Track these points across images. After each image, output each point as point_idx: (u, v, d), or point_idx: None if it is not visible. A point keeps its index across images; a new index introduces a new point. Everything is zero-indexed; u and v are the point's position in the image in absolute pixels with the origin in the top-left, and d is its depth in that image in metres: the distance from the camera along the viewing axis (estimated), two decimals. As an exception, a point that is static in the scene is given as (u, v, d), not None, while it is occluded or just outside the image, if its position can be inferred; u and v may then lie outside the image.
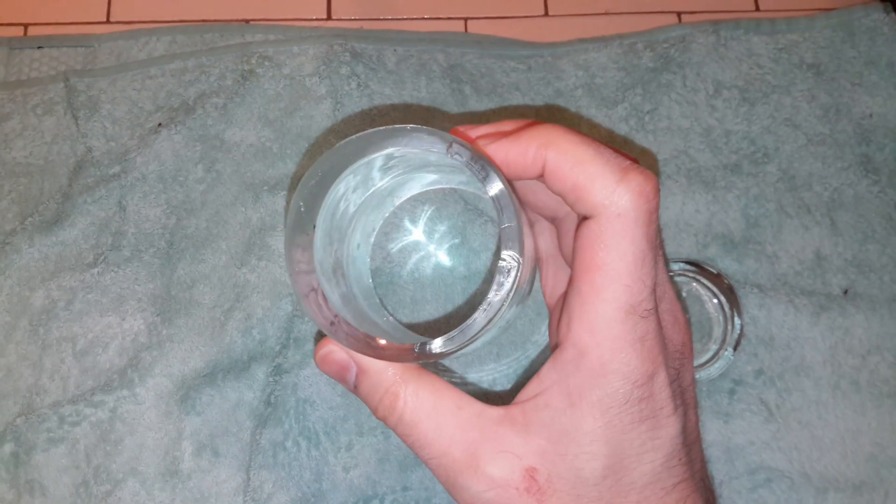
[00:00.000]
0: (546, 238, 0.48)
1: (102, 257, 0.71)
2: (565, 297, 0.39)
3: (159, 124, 0.75)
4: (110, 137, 0.75)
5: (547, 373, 0.39)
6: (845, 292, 0.68)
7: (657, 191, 0.38)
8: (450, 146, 0.40)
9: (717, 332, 0.64)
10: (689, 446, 0.40)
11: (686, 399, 0.41)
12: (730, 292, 0.64)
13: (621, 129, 0.73)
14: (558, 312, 0.42)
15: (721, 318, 0.64)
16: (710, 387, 0.65)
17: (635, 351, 0.37)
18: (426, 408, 0.40)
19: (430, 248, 0.69)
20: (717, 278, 0.64)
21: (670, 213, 0.71)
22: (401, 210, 0.63)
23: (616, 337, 0.37)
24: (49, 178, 0.74)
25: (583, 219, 0.38)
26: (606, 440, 0.37)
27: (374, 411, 0.42)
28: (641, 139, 0.73)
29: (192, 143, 0.74)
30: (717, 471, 0.64)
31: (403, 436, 0.41)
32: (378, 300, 0.48)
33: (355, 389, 0.43)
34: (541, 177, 0.40)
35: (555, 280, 0.47)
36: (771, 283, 0.68)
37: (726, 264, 0.69)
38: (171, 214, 0.72)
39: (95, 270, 0.70)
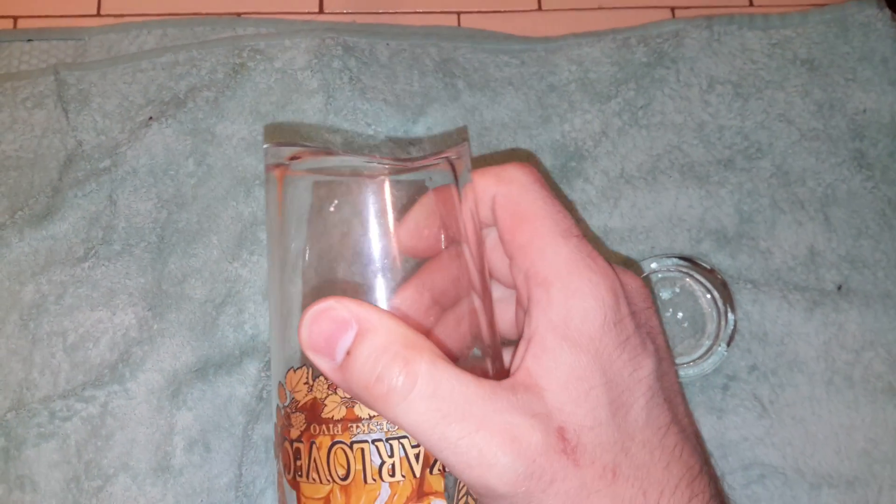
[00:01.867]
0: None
1: (93, 251, 0.71)
2: (511, 262, 0.41)
3: (150, 118, 0.75)
4: (101, 131, 0.75)
5: (527, 328, 0.39)
6: (839, 288, 0.68)
7: (533, 167, 0.42)
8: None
9: (711, 327, 0.64)
10: (670, 395, 0.40)
11: (657, 344, 0.41)
12: (723, 288, 0.64)
13: (615, 123, 0.73)
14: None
15: (714, 313, 0.64)
16: (704, 382, 0.65)
17: (590, 269, 0.38)
18: (449, 379, 0.35)
19: None
20: (710, 274, 0.64)
21: (664, 208, 0.71)
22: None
23: (567, 257, 0.38)
24: (39, 172, 0.74)
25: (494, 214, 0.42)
26: (601, 370, 0.37)
27: (371, 387, 0.35)
28: (635, 134, 0.73)
29: (182, 137, 0.74)
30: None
31: (414, 413, 0.35)
32: None
33: (345, 363, 0.36)
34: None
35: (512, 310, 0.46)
36: (764, 278, 0.68)
37: (720, 260, 0.69)
38: (161, 208, 0.72)
39: (86, 265, 0.70)
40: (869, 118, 0.73)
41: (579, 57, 0.77)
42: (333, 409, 0.39)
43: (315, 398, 0.40)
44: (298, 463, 0.40)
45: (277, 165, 0.41)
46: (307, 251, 0.41)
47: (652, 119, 0.73)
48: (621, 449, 0.37)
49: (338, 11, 0.82)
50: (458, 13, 0.81)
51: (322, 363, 0.37)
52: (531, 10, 0.81)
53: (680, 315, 0.65)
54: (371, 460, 0.38)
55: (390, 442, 0.38)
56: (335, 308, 0.37)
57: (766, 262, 0.69)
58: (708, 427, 0.64)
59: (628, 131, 0.73)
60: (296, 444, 0.40)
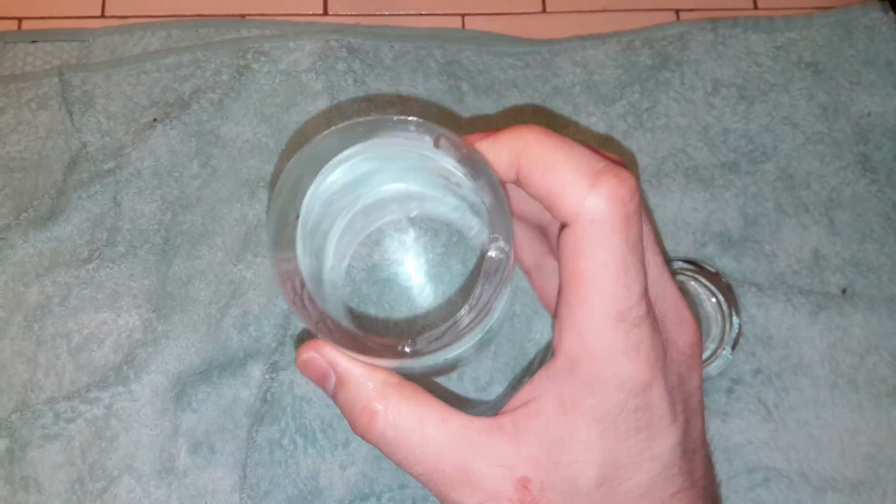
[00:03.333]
0: (535, 246, 0.46)
1: (97, 253, 0.71)
2: (556, 305, 0.38)
3: (154, 119, 0.75)
4: (105, 132, 0.75)
5: (539, 381, 0.38)
6: (843, 291, 0.68)
7: (634, 193, 0.35)
8: (437, 139, 0.39)
9: (716, 331, 0.64)
10: (691, 454, 0.39)
11: (690, 405, 0.39)
12: (728, 291, 0.64)
13: (619, 126, 0.73)
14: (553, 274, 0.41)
15: (719, 316, 0.64)
16: (708, 386, 0.65)
17: (629, 359, 0.35)
18: (409, 424, 0.38)
19: (409, 269, 0.68)
20: (715, 277, 0.64)
21: (668, 211, 0.71)
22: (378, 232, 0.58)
23: (608, 346, 0.35)
24: (43, 173, 0.74)
25: (562, 226, 0.36)
26: (601, 448, 0.36)
27: (353, 427, 0.40)
28: (639, 137, 0.73)
29: (187, 139, 0.74)
30: (716, 470, 0.64)
31: (388, 453, 0.39)
32: (350, 322, 0.44)
33: (334, 398, 0.41)
34: (517, 182, 0.38)
35: (550, 286, 0.45)
36: (769, 281, 0.68)
37: (724, 263, 0.69)
38: (166, 210, 0.72)
39: (90, 266, 0.70)
40: (873, 121, 0.73)
41: (584, 59, 0.77)
42: None
43: None
44: None
45: None
46: None
47: (657, 122, 0.73)
48: None
49: (342, 13, 0.81)
50: (463, 15, 0.81)
51: (320, 387, 0.41)
52: (536, 13, 0.81)
53: (684, 318, 0.65)
54: None
55: None
56: (315, 360, 0.40)
57: (771, 265, 0.69)
58: (712, 430, 0.64)
59: (633, 134, 0.73)
60: None
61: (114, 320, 0.69)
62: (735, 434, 0.65)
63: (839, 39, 0.76)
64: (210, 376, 0.66)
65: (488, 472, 0.36)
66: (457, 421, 0.38)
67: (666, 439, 0.37)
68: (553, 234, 0.42)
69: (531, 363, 0.66)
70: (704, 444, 0.41)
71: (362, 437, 0.39)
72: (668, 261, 0.63)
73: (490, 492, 0.36)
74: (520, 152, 0.37)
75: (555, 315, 0.38)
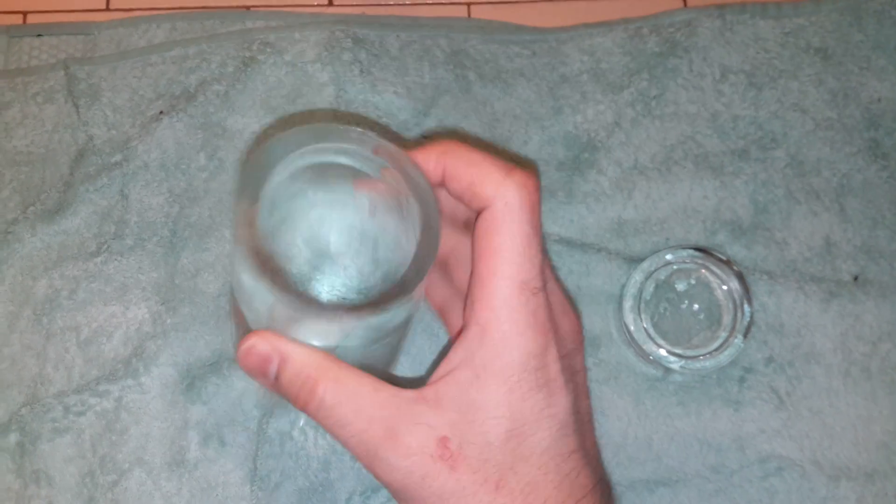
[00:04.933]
0: (442, 287, 0.54)
1: (105, 246, 0.70)
2: (469, 286, 0.45)
3: (160, 112, 0.74)
4: (111, 125, 0.75)
5: (454, 353, 0.45)
6: (855, 279, 0.68)
7: (538, 187, 0.45)
8: (376, 148, 0.46)
9: (727, 319, 0.64)
10: (581, 423, 0.46)
11: (577, 382, 0.47)
12: (739, 279, 0.63)
13: (627, 114, 0.73)
14: (460, 305, 0.48)
15: (730, 305, 0.64)
16: (720, 375, 0.65)
17: (528, 324, 0.43)
18: (346, 391, 0.44)
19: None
20: (726, 265, 0.64)
21: (678, 199, 0.70)
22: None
23: (512, 311, 0.43)
24: (50, 167, 0.74)
25: (478, 215, 0.45)
26: (508, 406, 0.43)
27: (295, 400, 0.45)
28: (648, 124, 0.73)
29: (193, 131, 0.74)
30: (728, 459, 0.64)
31: (324, 419, 0.44)
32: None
33: (276, 382, 0.46)
34: (441, 184, 0.47)
35: (457, 319, 0.51)
36: (780, 269, 0.68)
37: (735, 251, 0.69)
38: (173, 203, 0.72)
39: (98, 259, 0.70)
40: (884, 107, 0.73)
41: (591, 47, 0.76)
42: None
43: None
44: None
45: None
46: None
47: (665, 109, 0.73)
48: (510, 468, 0.43)
49: (347, 3, 0.81)
50: (469, 4, 0.80)
51: (261, 382, 0.47)
52: (542, 1, 0.81)
53: (696, 307, 0.65)
54: None
55: None
56: (258, 345, 0.46)
57: (782, 252, 0.69)
58: (725, 420, 0.64)
59: (641, 122, 0.73)
60: None
61: (123, 313, 0.69)
62: (747, 423, 0.65)
63: (848, 25, 0.75)
64: (220, 368, 0.66)
65: (413, 433, 0.42)
66: (387, 391, 0.44)
67: (561, 400, 0.44)
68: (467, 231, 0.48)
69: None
70: (591, 424, 0.50)
71: (304, 408, 0.45)
72: (680, 248, 0.63)
73: (413, 448, 0.42)
74: (446, 153, 0.46)
75: (466, 297, 0.45)
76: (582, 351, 0.50)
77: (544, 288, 0.44)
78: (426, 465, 0.42)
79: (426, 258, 0.44)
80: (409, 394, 0.44)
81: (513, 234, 0.43)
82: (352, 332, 0.47)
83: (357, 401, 0.44)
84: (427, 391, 0.44)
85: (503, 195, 0.44)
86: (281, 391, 0.46)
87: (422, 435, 0.42)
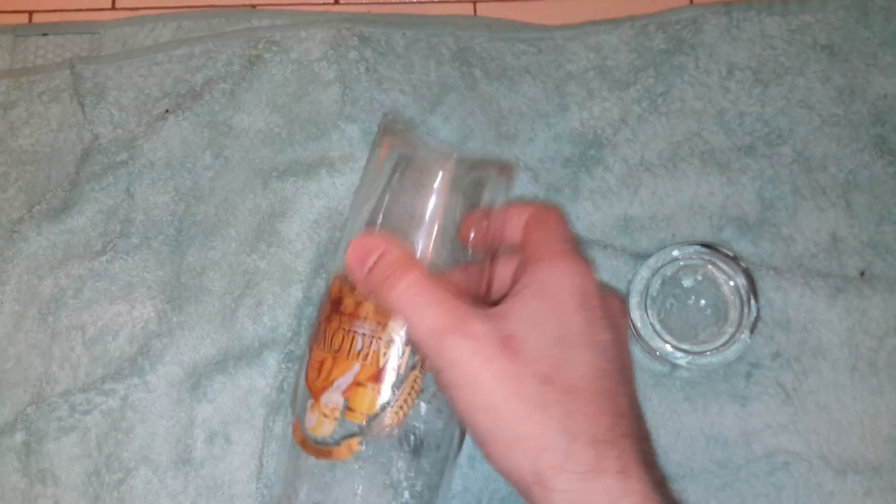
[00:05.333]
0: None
1: (111, 245, 0.71)
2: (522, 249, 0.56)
3: (166, 111, 0.74)
4: (117, 124, 0.75)
5: (516, 281, 0.52)
6: (862, 274, 0.68)
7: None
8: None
9: (734, 315, 0.63)
10: (622, 365, 0.52)
11: (619, 336, 0.55)
12: (746, 275, 0.63)
13: (634, 111, 0.73)
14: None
15: (737, 301, 0.63)
16: (727, 370, 0.65)
17: (576, 261, 0.52)
18: (431, 284, 0.50)
19: None
20: (732, 261, 0.63)
21: (684, 195, 0.70)
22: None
23: (564, 255, 0.53)
24: (56, 166, 0.74)
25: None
26: (559, 317, 0.50)
27: (383, 283, 0.51)
28: (654, 121, 0.73)
29: (199, 130, 0.74)
30: (735, 454, 0.64)
31: (404, 303, 0.50)
32: None
33: (371, 270, 0.52)
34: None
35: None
36: (787, 265, 0.68)
37: (742, 247, 0.69)
38: (179, 201, 0.72)
39: (104, 258, 0.70)
40: (890, 103, 0.72)
41: (597, 44, 0.76)
42: (348, 305, 0.55)
43: (342, 296, 0.56)
44: (318, 336, 0.57)
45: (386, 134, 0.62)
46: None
47: (671, 106, 0.73)
48: (557, 369, 0.48)
49: (353, 2, 0.81)
50: (474, 2, 0.80)
51: (355, 272, 0.53)
52: (548, -2, 0.81)
53: (702, 303, 0.65)
54: (355, 345, 0.54)
55: (371, 339, 0.53)
56: (370, 236, 0.55)
57: (789, 248, 0.69)
58: (731, 415, 0.64)
59: (648, 119, 0.73)
60: (321, 323, 0.57)
61: (128, 312, 0.69)
62: (754, 418, 0.64)
63: (854, 21, 0.75)
64: (225, 366, 0.66)
65: (483, 323, 0.48)
66: (464, 296, 0.50)
67: (602, 331, 0.51)
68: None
69: None
70: (632, 377, 0.59)
71: (387, 292, 0.50)
72: (687, 244, 0.63)
73: (482, 333, 0.48)
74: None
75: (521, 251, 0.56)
76: (626, 324, 0.61)
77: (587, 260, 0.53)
78: (492, 348, 0.47)
79: None
80: (479, 308, 0.50)
81: (558, 224, 0.56)
82: None
83: (438, 293, 0.50)
84: (495, 308, 0.51)
85: (544, 212, 0.58)
86: (370, 280, 0.52)
87: (490, 326, 0.48)
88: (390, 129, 0.64)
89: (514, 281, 0.53)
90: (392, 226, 0.57)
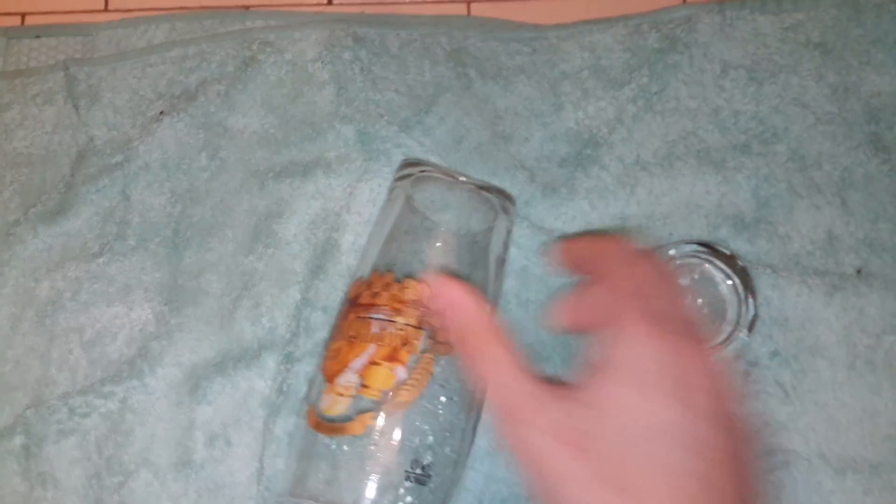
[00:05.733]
0: None
1: (108, 247, 0.71)
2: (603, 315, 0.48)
3: (161, 112, 0.74)
4: (112, 126, 0.75)
5: (598, 360, 0.45)
6: (858, 272, 0.68)
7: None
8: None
9: (731, 313, 0.64)
10: (730, 465, 0.43)
11: (734, 426, 0.45)
12: (743, 273, 0.63)
13: (629, 110, 0.73)
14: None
15: (735, 299, 0.64)
16: (725, 369, 0.65)
17: (666, 331, 0.45)
18: (513, 360, 0.47)
19: None
20: (730, 259, 0.64)
21: (680, 194, 0.71)
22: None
23: (650, 315, 0.45)
24: (51, 168, 0.74)
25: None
26: (636, 410, 0.43)
27: (463, 343, 0.49)
28: (649, 120, 0.73)
29: (194, 131, 0.74)
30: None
31: (482, 370, 0.48)
32: None
33: (454, 323, 0.50)
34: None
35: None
36: (783, 263, 0.68)
37: (738, 245, 0.69)
38: (175, 203, 0.72)
39: (101, 260, 0.70)
40: (884, 101, 0.73)
41: (591, 44, 0.76)
42: (364, 299, 0.58)
43: (359, 293, 0.59)
44: (335, 332, 0.60)
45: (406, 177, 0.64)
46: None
47: (666, 105, 0.73)
48: (631, 478, 0.41)
49: (347, 2, 0.81)
50: (468, 2, 0.81)
51: (436, 318, 0.56)
52: (541, -2, 0.81)
53: (700, 301, 0.65)
54: (371, 329, 0.56)
55: (386, 322, 0.56)
56: (455, 284, 0.51)
57: (785, 246, 0.69)
58: (730, 413, 0.64)
59: (643, 117, 0.73)
60: (339, 323, 0.60)
61: (126, 314, 0.69)
62: (753, 417, 0.65)
63: (847, 19, 0.76)
64: (224, 368, 0.66)
65: (552, 413, 0.44)
66: (541, 378, 0.46)
67: (698, 421, 0.42)
68: None
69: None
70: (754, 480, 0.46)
71: (469, 354, 0.49)
72: (684, 243, 0.64)
73: (548, 427, 0.44)
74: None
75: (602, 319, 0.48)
76: (742, 413, 0.47)
77: (680, 322, 0.47)
78: (554, 446, 0.43)
79: None
80: (556, 385, 0.46)
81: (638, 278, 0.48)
82: None
83: (516, 372, 0.46)
84: (570, 388, 0.45)
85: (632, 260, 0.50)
86: (454, 334, 0.50)
87: (565, 418, 0.44)
88: (405, 172, 0.64)
89: (601, 341, 0.47)
90: (399, 262, 0.60)
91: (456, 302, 0.50)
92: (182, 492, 0.64)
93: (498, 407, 0.46)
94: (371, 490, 0.53)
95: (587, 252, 0.54)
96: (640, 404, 0.43)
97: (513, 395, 0.46)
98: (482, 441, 0.61)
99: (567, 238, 0.60)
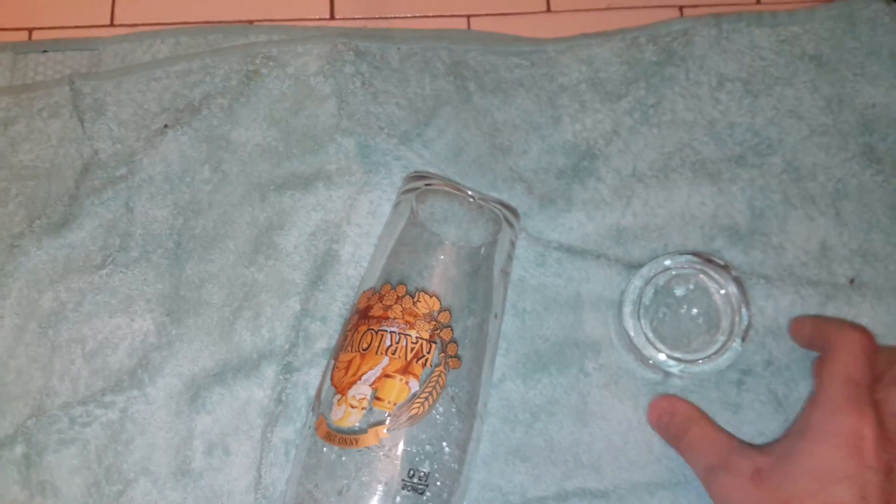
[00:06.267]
0: None
1: (110, 259, 0.71)
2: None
3: (165, 126, 0.75)
4: (116, 139, 0.75)
5: (803, 422, 0.57)
6: (851, 282, 0.68)
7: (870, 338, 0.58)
8: None
9: (725, 323, 0.64)
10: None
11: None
12: (737, 283, 0.64)
13: (625, 122, 0.74)
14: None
15: (729, 309, 0.64)
16: (719, 378, 0.66)
17: (852, 409, 0.54)
18: (709, 434, 0.61)
19: None
20: (724, 269, 0.64)
21: (676, 206, 0.71)
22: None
23: (836, 392, 0.56)
24: (56, 181, 0.75)
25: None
26: (815, 457, 0.54)
27: (673, 437, 0.64)
28: (646, 132, 0.73)
29: (198, 144, 0.75)
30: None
31: (685, 449, 0.62)
32: None
33: (667, 424, 0.64)
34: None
35: None
36: (777, 273, 0.69)
37: (733, 256, 0.69)
38: (178, 215, 0.73)
39: (104, 272, 0.71)
40: (878, 113, 0.73)
41: (589, 57, 0.77)
42: (376, 311, 0.59)
43: (370, 305, 0.60)
44: (344, 343, 0.60)
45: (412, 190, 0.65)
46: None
47: (663, 117, 0.74)
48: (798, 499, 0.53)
49: (349, 17, 0.82)
50: (468, 16, 0.81)
51: (656, 427, 0.66)
52: (540, 12, 0.82)
53: (694, 311, 0.65)
54: (384, 343, 0.57)
55: (399, 336, 0.57)
56: (668, 399, 0.65)
57: (779, 257, 0.69)
58: (723, 423, 0.64)
59: (639, 130, 0.74)
60: (347, 333, 0.61)
61: (128, 325, 0.70)
62: (746, 425, 0.65)
63: (842, 32, 0.76)
64: (224, 378, 0.67)
65: (741, 461, 0.57)
66: (735, 441, 0.60)
67: (866, 471, 0.52)
68: None
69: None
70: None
71: (680, 439, 0.62)
72: (679, 254, 0.63)
73: (738, 470, 0.56)
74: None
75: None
76: None
77: (870, 388, 0.56)
78: (745, 478, 0.55)
79: None
80: (747, 445, 0.59)
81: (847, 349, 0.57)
82: None
83: (714, 437, 0.60)
84: (768, 444, 0.60)
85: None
86: (668, 433, 0.64)
87: (748, 461, 0.56)
88: (411, 185, 0.65)
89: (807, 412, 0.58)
90: (409, 275, 0.61)
91: (664, 410, 0.64)
92: (180, 500, 0.64)
93: (701, 468, 0.60)
94: (378, 500, 0.54)
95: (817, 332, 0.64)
96: (809, 448, 0.54)
97: (711, 454, 0.59)
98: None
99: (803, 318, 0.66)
